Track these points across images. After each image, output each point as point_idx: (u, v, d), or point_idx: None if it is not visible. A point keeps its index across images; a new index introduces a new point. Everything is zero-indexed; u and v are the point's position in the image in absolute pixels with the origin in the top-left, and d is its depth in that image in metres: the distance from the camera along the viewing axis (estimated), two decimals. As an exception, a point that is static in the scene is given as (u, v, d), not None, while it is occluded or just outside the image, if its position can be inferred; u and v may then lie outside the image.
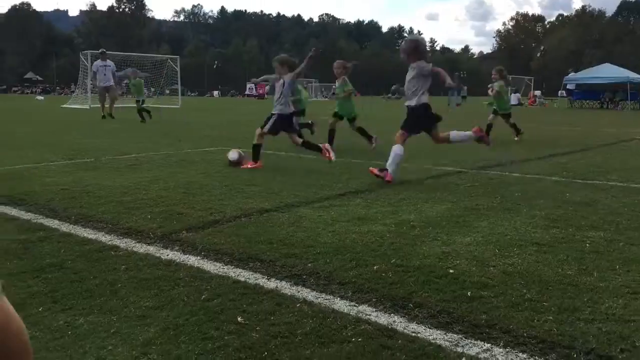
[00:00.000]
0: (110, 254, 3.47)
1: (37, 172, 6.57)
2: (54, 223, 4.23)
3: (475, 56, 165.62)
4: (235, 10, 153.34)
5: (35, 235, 3.87)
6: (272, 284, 2.95)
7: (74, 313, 2.56)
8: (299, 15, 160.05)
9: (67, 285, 2.91)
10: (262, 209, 4.68)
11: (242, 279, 3.01)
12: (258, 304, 2.67)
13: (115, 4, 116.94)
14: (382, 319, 2.50)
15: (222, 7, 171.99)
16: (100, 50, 19.62)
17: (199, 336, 2.32)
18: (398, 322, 2.46)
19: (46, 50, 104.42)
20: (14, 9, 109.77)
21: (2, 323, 1.02)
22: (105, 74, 17.80)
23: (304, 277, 3.05)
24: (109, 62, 18.26)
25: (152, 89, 46.00)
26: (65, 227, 4.10)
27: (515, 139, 11.34)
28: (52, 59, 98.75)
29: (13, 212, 4.58)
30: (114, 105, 18.67)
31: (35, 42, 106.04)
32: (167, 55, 39.63)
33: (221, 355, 2.16)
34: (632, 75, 34.32)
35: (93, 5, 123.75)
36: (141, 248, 3.60)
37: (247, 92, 68.76)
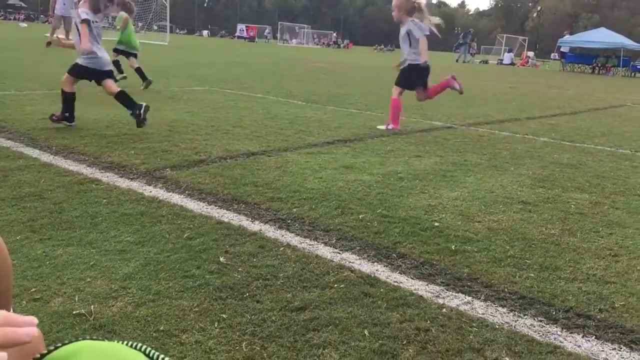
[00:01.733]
0: (91, 186, 3.41)
1: (18, 100, 6.40)
2: (34, 152, 4.13)
3: (471, 12, 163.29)
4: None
5: (14, 164, 3.78)
6: (256, 226, 2.92)
7: (53, 244, 2.51)
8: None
9: (47, 216, 2.86)
10: (249, 152, 4.61)
11: (226, 220, 2.97)
12: (241, 245, 2.65)
13: None
14: (365, 267, 2.49)
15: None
16: None
17: (180, 274, 2.30)
18: (381, 271, 2.46)
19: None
20: None
21: None
22: (65, 3, 17.36)
23: (289, 221, 3.02)
24: None
25: (139, 24, 44.82)
26: (45, 157, 4.01)
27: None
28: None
29: (-8, 139, 4.46)
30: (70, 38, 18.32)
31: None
32: (156, -11, 38.40)
33: (202, 293, 2.14)
34: (627, 41, 34.10)
35: None
36: (123, 183, 3.53)
37: (237, 33, 67.28)
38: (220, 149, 4.63)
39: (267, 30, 67.85)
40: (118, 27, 8.98)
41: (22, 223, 2.74)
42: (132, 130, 5.13)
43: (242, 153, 4.55)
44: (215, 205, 3.21)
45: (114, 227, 2.78)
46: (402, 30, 6.21)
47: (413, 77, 6.38)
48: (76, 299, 2.04)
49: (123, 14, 8.11)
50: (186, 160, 4.19)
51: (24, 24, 42.98)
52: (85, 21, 5.10)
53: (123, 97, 5.08)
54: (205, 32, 79.77)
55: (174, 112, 6.42)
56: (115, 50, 8.91)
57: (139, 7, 37.91)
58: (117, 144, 4.52)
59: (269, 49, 36.77)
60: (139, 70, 8.72)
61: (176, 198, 3.30)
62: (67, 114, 5.06)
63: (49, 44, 17.34)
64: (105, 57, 5.21)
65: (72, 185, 3.39)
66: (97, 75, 5.15)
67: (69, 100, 5.08)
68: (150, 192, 3.39)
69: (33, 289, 2.09)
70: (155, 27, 42.31)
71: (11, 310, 1.20)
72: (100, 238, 2.63)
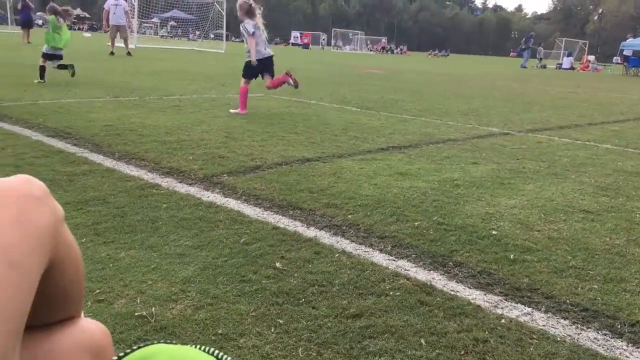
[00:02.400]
0: (152, 191, 3.51)
1: (83, 108, 6.65)
2: (98, 158, 4.29)
3: (528, 16, 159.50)
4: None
5: (79, 169, 3.93)
6: (311, 232, 2.94)
7: (116, 246, 2.60)
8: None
9: (110, 219, 2.96)
10: (304, 158, 4.64)
11: (282, 226, 3.00)
12: (296, 251, 2.67)
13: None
14: (421, 275, 2.47)
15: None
16: None
17: (237, 278, 2.33)
18: (437, 280, 2.43)
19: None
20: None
21: (63, 252, 1.02)
22: (115, 13, 18.20)
23: (344, 228, 3.03)
24: (121, 1, 18.65)
25: (197, 32, 45.91)
26: (108, 163, 4.15)
27: None
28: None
29: (59, 144, 4.65)
30: (130, 46, 19.33)
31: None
32: (213, -1, 39.28)
33: (258, 297, 2.17)
34: (695, 44, 32.62)
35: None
36: (182, 188, 3.62)
37: (291, 40, 68.02)
38: (276, 155, 4.68)
39: (322, 37, 68.34)
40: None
41: (87, 226, 2.84)
42: (190, 136, 5.26)
43: (297, 159, 4.59)
44: (271, 211, 3.25)
45: (173, 231, 2.85)
46: (241, 29, 7.21)
47: (250, 71, 7.22)
48: (138, 301, 2.10)
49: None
50: (242, 166, 4.26)
51: (88, 34, 44.75)
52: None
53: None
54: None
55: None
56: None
57: (197, 15, 38.96)
58: (176, 150, 4.64)
59: (323, 56, 36.99)
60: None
61: (233, 203, 3.36)
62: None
63: (112, 53, 18.22)
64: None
65: (133, 190, 3.50)
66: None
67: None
68: (208, 197, 3.46)
69: (97, 290, 2.16)
70: (212, 36, 43.28)
71: (82, 313, 1.25)
72: (160, 242, 2.70)
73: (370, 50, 64.35)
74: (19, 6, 23.70)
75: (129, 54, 18.37)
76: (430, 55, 59.57)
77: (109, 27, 18.80)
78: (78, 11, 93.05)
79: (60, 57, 9.45)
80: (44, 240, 0.97)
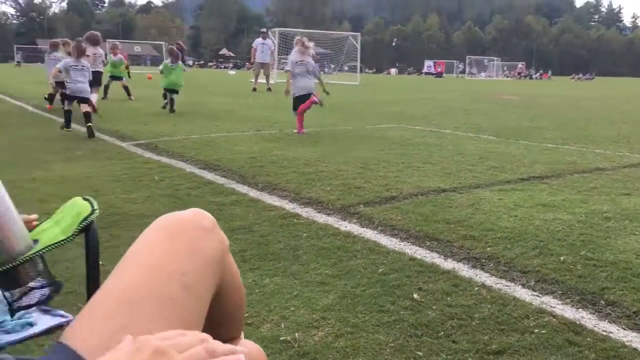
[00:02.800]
0: (293, 221, 3.67)
1: (229, 141, 7.13)
2: (243, 188, 4.57)
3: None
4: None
5: (228, 199, 4.21)
6: (449, 264, 2.91)
7: (261, 273, 2.75)
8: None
9: (255, 247, 3.14)
10: (439, 189, 4.61)
11: (419, 257, 3.00)
12: (434, 282, 2.65)
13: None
14: (569, 313, 2.34)
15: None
16: (261, 30, 21.93)
17: (376, 308, 2.37)
18: (587, 319, 2.29)
19: (239, 28, 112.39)
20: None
21: (228, 279, 1.13)
22: (263, 52, 19.47)
23: (483, 260, 2.96)
24: (268, 41, 20.02)
25: (332, 66, 47.35)
26: (253, 193, 4.41)
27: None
28: (243, 36, 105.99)
29: (209, 176, 5.03)
30: (270, 81, 20.48)
31: (230, 20, 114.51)
32: (348, 33, 40.47)
33: (397, 329, 2.18)
34: None
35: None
36: (321, 218, 3.75)
37: (424, 70, 67.84)
38: (411, 186, 4.69)
39: (457, 65, 67.49)
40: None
41: (235, 253, 3.03)
42: (327, 167, 5.43)
43: (432, 190, 4.57)
44: (408, 242, 3.26)
45: (313, 259, 2.96)
46: None
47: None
48: (282, 326, 2.21)
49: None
50: (378, 197, 4.32)
51: (233, 72, 47.91)
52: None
53: None
54: (393, 70, 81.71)
55: (365, 150, 6.66)
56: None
57: (332, 49, 40.19)
58: (314, 181, 4.82)
59: (457, 84, 36.46)
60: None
61: (370, 234, 3.41)
62: None
63: (254, 89, 19.38)
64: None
65: (276, 219, 3.69)
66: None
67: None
68: (346, 227, 3.55)
69: (245, 314, 2.30)
70: (346, 68, 44.43)
71: (242, 335, 1.36)
72: (302, 270, 2.81)
73: (507, 76, 62.32)
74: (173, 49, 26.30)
75: (269, 89, 19.42)
76: (574, 79, 56.38)
77: (252, 64, 20.16)
78: (224, 51, 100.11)
79: (174, 93, 11.10)
80: (214, 268, 1.09)
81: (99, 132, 7.70)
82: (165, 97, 11.44)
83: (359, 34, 37.10)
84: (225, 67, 65.04)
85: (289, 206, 4.04)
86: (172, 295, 0.94)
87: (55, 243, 1.08)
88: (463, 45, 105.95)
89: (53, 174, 4.98)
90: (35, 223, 1.19)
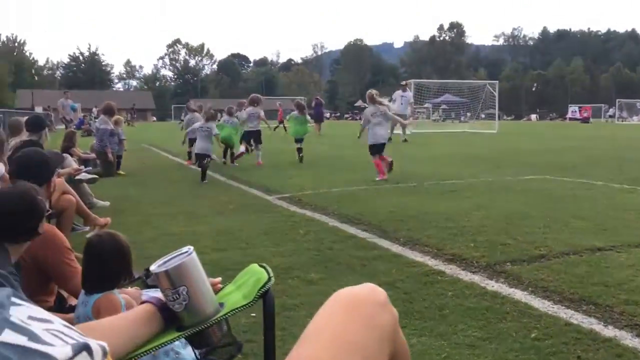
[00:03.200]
0: (437, 278, 3.64)
1: (369, 195, 7.26)
2: (385, 243, 4.62)
3: None
4: (558, 30, 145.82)
5: (370, 254, 4.29)
6: (609, 332, 2.72)
7: (408, 332, 2.75)
8: (632, 30, 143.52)
9: (400, 304, 3.15)
10: (594, 247, 4.33)
11: (575, 322, 2.84)
12: (594, 352, 2.50)
13: (436, 33, 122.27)
14: None
15: (544, 28, 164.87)
16: (402, 82, 22.48)
17: (531, 376, 2.28)
18: None
19: (373, 80, 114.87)
20: (348, 45, 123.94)
21: (398, 349, 1.19)
22: (402, 103, 19.83)
23: (649, 329, 2.73)
24: (408, 92, 20.45)
25: (468, 114, 46.60)
26: (395, 248, 4.45)
27: None
28: (379, 88, 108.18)
29: (351, 230, 5.15)
30: (397, 132, 20.67)
31: (365, 72, 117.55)
32: (485, 81, 39.82)
33: (556, 401, 2.08)
34: None
35: (416, 36, 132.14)
36: (466, 276, 3.68)
37: (569, 115, 64.46)
38: (561, 243, 4.46)
39: (606, 109, 63.51)
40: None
41: (381, 310, 3.07)
42: (470, 222, 5.33)
43: (586, 248, 4.30)
44: (562, 305, 3.10)
45: (460, 320, 2.91)
46: None
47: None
48: (433, 389, 2.19)
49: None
50: (526, 255, 4.16)
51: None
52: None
53: None
54: (533, 116, 78.58)
55: (509, 203, 6.45)
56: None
57: (468, 98, 39.68)
58: (457, 236, 4.75)
59: (607, 129, 34.18)
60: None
61: (519, 294, 3.29)
62: None
63: (389, 139, 19.61)
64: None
65: (419, 276, 3.69)
66: None
67: None
68: (492, 286, 3.45)
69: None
70: (482, 116, 43.52)
71: None
72: (449, 331, 2.78)
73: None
74: (313, 103, 27.96)
75: (405, 140, 19.58)
76: None
77: None
78: (359, 102, 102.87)
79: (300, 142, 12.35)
80: (389, 341, 1.15)
81: (248, 186, 8.25)
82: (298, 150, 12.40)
83: (497, 81, 36.33)
84: (360, 119, 66.58)
85: (431, 262, 4.02)
86: None
87: (239, 307, 1.20)
88: (611, 88, 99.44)
89: (209, 227, 5.38)
90: (219, 286, 1.33)
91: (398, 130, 20.13)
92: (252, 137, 11.96)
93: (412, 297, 3.29)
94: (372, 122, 9.01)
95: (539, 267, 3.82)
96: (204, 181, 8.89)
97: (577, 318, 2.90)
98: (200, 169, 9.13)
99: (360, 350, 1.04)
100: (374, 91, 9.40)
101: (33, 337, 0.77)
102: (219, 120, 12.50)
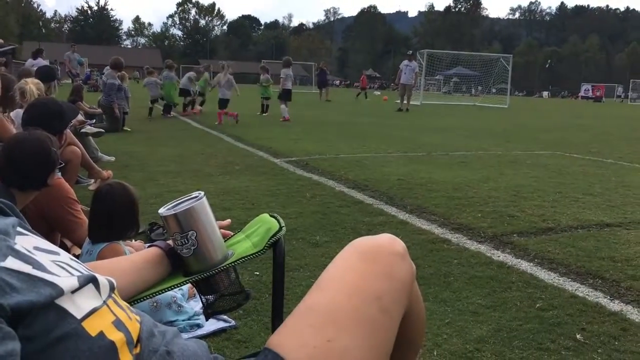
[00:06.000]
0: (443, 246, 3.62)
1: (377, 162, 7.21)
2: (392, 210, 4.59)
3: None
4: (576, 6, 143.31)
5: (376, 219, 4.26)
6: (615, 306, 2.70)
7: (412, 297, 2.74)
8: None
9: (405, 270, 3.13)
10: (602, 222, 4.29)
11: (580, 295, 2.82)
12: (599, 324, 2.47)
13: (452, 4, 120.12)
14: None
15: (562, 3, 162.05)
16: (408, 52, 22.74)
17: (534, 345, 2.26)
18: None
19: (385, 49, 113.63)
20: (361, 12, 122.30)
21: (414, 304, 1.17)
22: (406, 73, 19.93)
23: (656, 305, 2.71)
24: (413, 63, 20.63)
25: (479, 88, 46.10)
26: (402, 215, 4.41)
27: None
28: (390, 58, 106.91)
29: (358, 195, 5.12)
30: (411, 102, 20.87)
31: (377, 41, 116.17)
32: (499, 54, 39.25)
33: (559, 370, 2.07)
34: None
35: (431, 6, 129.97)
36: (472, 245, 3.66)
37: (581, 93, 63.74)
38: (570, 218, 4.42)
39: (618, 88, 62.73)
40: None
41: (386, 274, 3.05)
42: (477, 193, 5.29)
43: (594, 223, 4.26)
44: (568, 278, 3.07)
45: (465, 287, 2.89)
46: None
47: None
48: (435, 354, 2.18)
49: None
50: (533, 227, 4.12)
51: (378, 92, 48.47)
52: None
53: None
54: (545, 93, 77.81)
55: (518, 176, 6.39)
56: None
57: (480, 71, 39.24)
58: (464, 206, 4.71)
59: (619, 109, 33.83)
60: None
61: (525, 265, 3.27)
62: None
63: (399, 110, 19.57)
64: None
65: (425, 244, 3.66)
66: None
67: None
68: (499, 256, 3.43)
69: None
70: (493, 90, 43.07)
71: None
72: (453, 297, 2.76)
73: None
74: (317, 71, 28.58)
75: (407, 110, 19.64)
76: None
77: (397, 85, 20.66)
78: (369, 71, 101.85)
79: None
80: (406, 292, 1.12)
81: (253, 147, 8.21)
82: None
83: (511, 55, 35.80)
84: (371, 87, 65.98)
85: (438, 231, 3.99)
86: (371, 316, 0.98)
87: (248, 255, 1.17)
88: (626, 68, 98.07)
89: (215, 187, 5.36)
90: (229, 233, 1.29)
91: (415, 101, 20.05)
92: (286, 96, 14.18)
93: (418, 263, 3.22)
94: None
95: (546, 240, 3.79)
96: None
97: (582, 291, 2.88)
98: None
99: (377, 299, 1.02)
100: None
101: (38, 266, 0.74)
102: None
